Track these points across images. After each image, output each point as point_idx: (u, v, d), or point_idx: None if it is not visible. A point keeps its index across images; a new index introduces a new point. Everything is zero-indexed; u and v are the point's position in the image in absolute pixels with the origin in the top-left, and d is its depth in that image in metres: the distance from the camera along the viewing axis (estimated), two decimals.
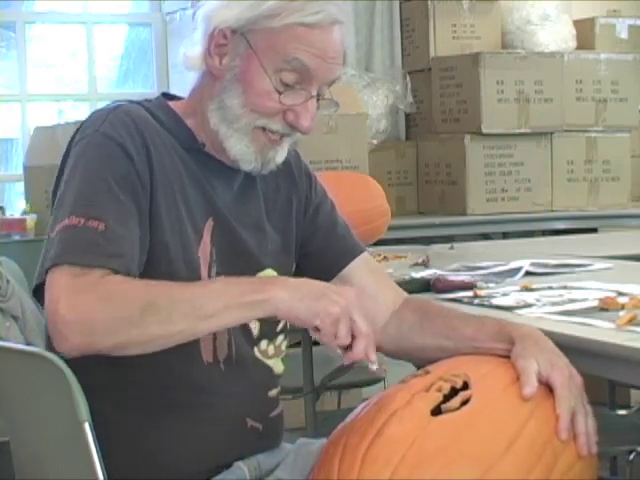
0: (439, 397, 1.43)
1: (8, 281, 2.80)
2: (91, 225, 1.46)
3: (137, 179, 1.52)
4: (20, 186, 4.44)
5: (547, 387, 1.48)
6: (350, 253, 1.79)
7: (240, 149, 1.61)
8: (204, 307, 1.42)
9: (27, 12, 4.91)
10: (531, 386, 1.45)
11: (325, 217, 1.79)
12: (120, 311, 1.40)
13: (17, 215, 4.08)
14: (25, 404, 1.59)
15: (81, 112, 4.97)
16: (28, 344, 2.63)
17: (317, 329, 1.43)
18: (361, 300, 1.75)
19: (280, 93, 1.57)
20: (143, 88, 5.08)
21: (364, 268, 1.79)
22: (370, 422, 1.42)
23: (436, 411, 1.41)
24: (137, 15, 5.05)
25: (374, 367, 1.46)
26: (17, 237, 3.89)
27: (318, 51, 1.56)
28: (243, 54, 1.58)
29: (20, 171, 4.24)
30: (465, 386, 1.45)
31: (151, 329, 1.41)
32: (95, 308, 1.40)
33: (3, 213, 4.11)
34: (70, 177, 1.52)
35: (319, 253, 1.77)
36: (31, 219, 3.93)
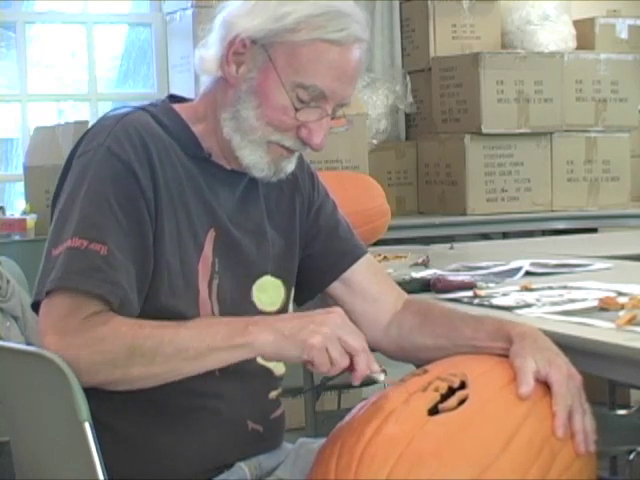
0: (436, 397, 1.43)
1: (8, 281, 2.80)
2: (94, 248, 1.47)
3: (141, 197, 1.52)
4: (20, 186, 4.44)
5: (545, 385, 1.48)
6: (352, 255, 1.79)
7: (254, 159, 1.60)
8: (188, 350, 1.44)
9: (27, 12, 4.90)
10: (527, 385, 1.45)
11: (327, 218, 1.79)
12: (104, 354, 1.43)
13: (17, 215, 4.08)
14: (25, 404, 1.59)
15: (81, 112, 4.96)
16: (28, 344, 2.62)
17: (311, 363, 1.44)
18: (363, 307, 1.76)
19: (297, 110, 1.56)
20: (143, 88, 5.07)
21: (366, 270, 1.79)
22: (367, 422, 1.42)
23: (433, 411, 1.41)
24: (137, 15, 5.05)
25: (381, 377, 1.47)
26: (17, 237, 3.89)
27: (337, 72, 1.56)
28: (261, 66, 1.56)
29: (20, 171, 4.24)
30: (462, 385, 1.45)
31: (135, 370, 1.44)
32: (81, 350, 1.43)
33: (3, 213, 4.11)
34: (73, 194, 1.52)
35: (321, 255, 1.77)
36: (31, 219, 3.93)
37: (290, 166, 1.65)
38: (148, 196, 1.53)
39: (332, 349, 1.42)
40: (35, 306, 1.51)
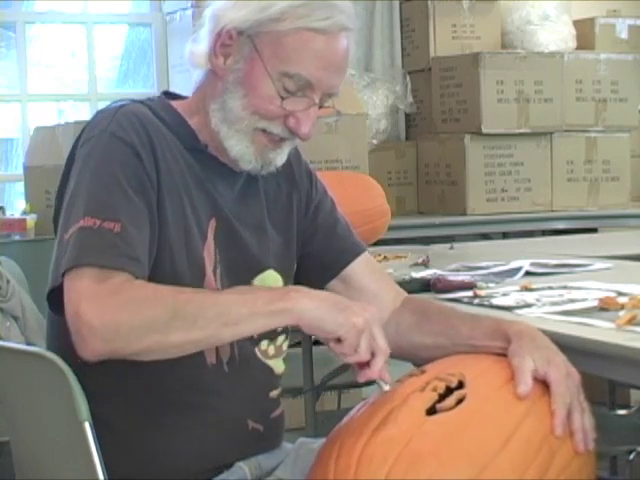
0: (434, 396, 1.43)
1: (8, 281, 2.80)
2: (107, 226, 1.45)
3: (146, 178, 1.52)
4: (20, 186, 4.44)
5: (544, 384, 1.47)
6: (351, 253, 1.79)
7: (240, 149, 1.61)
8: (230, 314, 1.41)
9: (27, 12, 4.91)
10: (525, 384, 1.45)
11: (326, 216, 1.79)
12: (145, 317, 1.39)
13: (17, 215, 4.08)
14: (25, 404, 1.59)
15: (81, 112, 4.97)
16: (28, 344, 2.63)
17: (339, 341, 1.43)
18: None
19: (283, 99, 1.56)
20: (143, 88, 5.08)
21: (365, 268, 1.79)
22: (366, 422, 1.42)
23: (431, 411, 1.41)
24: (137, 15, 5.05)
25: (386, 387, 1.46)
26: (17, 237, 3.88)
27: (323, 61, 1.56)
28: (247, 57, 1.57)
29: (20, 171, 4.24)
30: (460, 385, 1.45)
31: (175, 335, 1.40)
32: (120, 313, 1.38)
33: (3, 213, 4.11)
34: (80, 178, 1.51)
35: (320, 253, 1.77)
36: (31, 219, 3.93)
37: (279, 158, 1.64)
38: (152, 178, 1.53)
39: (364, 339, 1.42)
40: (50, 296, 1.48)
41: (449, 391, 1.44)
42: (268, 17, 1.55)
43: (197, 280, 1.57)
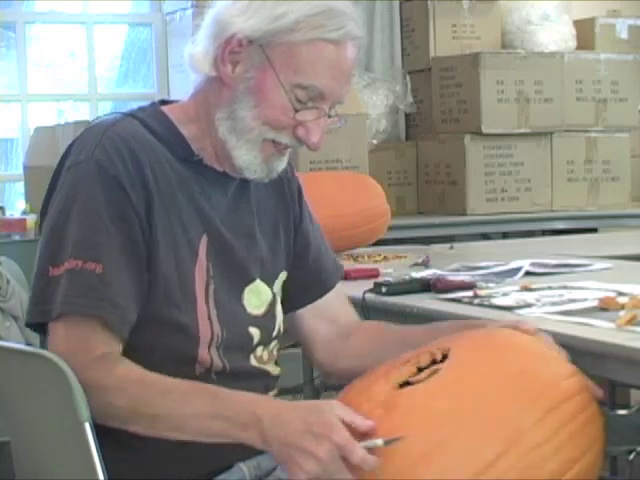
0: (413, 370, 1.46)
1: (8, 281, 2.80)
2: (89, 267, 1.47)
3: (132, 212, 1.52)
4: (20, 186, 4.45)
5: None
6: (328, 284, 1.81)
7: (247, 159, 1.60)
8: (185, 428, 1.43)
9: (27, 12, 4.91)
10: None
11: (311, 240, 1.79)
12: (105, 406, 1.43)
13: (17, 215, 4.09)
14: (25, 404, 1.59)
15: (81, 112, 4.97)
16: (28, 344, 2.62)
17: None
18: (318, 325, 1.78)
19: (297, 110, 1.56)
20: (143, 88, 5.07)
21: (336, 296, 1.82)
22: (344, 397, 1.47)
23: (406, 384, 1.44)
24: (137, 15, 5.05)
25: (380, 442, 1.36)
26: (17, 237, 3.89)
27: (334, 71, 1.56)
28: (259, 66, 1.55)
29: (20, 171, 4.24)
30: (444, 358, 1.48)
31: (134, 427, 1.45)
32: (87, 391, 1.41)
33: (3, 213, 4.11)
34: (66, 211, 1.51)
35: (303, 277, 1.77)
36: (31, 219, 3.93)
37: (281, 165, 1.64)
38: (139, 210, 1.52)
39: (334, 469, 1.33)
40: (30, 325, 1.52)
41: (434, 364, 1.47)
42: (281, 27, 1.54)
43: (189, 302, 1.57)
